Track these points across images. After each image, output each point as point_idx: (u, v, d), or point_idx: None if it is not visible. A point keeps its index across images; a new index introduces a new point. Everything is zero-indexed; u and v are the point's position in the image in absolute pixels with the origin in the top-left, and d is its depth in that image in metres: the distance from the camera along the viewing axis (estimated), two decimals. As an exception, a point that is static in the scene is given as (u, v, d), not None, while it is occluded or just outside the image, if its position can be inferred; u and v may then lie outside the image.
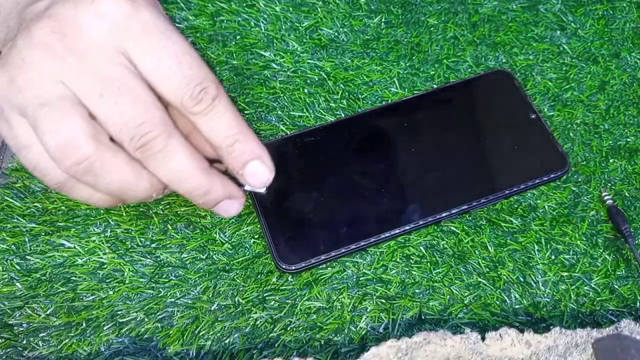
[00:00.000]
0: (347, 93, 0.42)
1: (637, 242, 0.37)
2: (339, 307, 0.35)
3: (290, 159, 0.38)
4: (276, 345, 0.33)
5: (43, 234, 0.37)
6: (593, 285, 0.36)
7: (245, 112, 0.41)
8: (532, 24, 0.45)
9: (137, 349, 0.33)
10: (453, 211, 0.36)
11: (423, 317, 0.34)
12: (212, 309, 0.34)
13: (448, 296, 0.35)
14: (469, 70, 0.43)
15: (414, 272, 0.36)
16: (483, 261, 0.36)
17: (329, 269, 0.36)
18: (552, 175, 0.38)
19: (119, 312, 0.34)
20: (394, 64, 0.43)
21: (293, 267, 0.35)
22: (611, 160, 0.40)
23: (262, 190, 0.34)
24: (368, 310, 0.34)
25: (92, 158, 0.29)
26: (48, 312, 0.34)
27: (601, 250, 0.37)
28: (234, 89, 0.42)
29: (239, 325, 0.34)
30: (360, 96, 0.41)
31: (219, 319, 0.34)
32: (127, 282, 0.35)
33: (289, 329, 0.34)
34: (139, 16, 0.30)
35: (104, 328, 0.34)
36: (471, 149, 0.39)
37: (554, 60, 0.44)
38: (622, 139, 0.40)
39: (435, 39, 0.44)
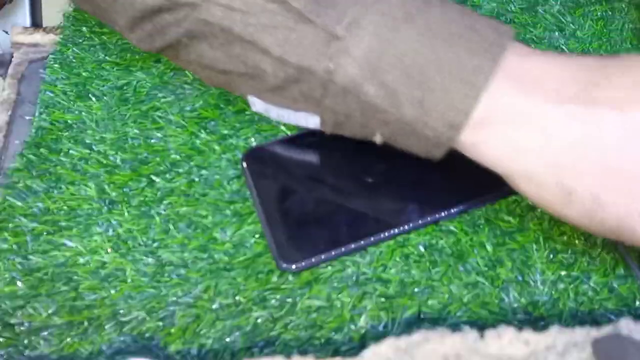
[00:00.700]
0: (347, 94, 0.42)
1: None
2: (339, 305, 0.35)
3: (291, 159, 0.38)
4: (277, 343, 0.34)
5: (45, 233, 0.37)
6: (592, 284, 0.36)
7: (246, 112, 0.42)
8: (531, 25, 0.45)
9: (139, 347, 0.34)
10: (452, 211, 0.37)
11: (422, 316, 0.34)
12: (213, 307, 0.35)
13: (447, 295, 0.35)
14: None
15: (413, 271, 0.36)
16: (481, 260, 0.36)
17: (329, 268, 0.36)
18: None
19: (121, 311, 0.34)
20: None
21: (293, 267, 0.35)
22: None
23: None
24: (367, 308, 0.35)
25: None
26: (50, 312, 0.34)
27: (600, 250, 0.37)
28: (235, 89, 0.42)
29: (240, 323, 0.34)
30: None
31: (220, 317, 0.34)
32: (128, 281, 0.35)
33: (289, 327, 0.34)
34: None
35: (106, 327, 0.34)
36: None
37: (552, 61, 0.44)
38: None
39: (434, 40, 0.44)
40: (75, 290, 0.35)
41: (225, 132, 0.41)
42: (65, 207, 0.38)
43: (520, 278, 0.36)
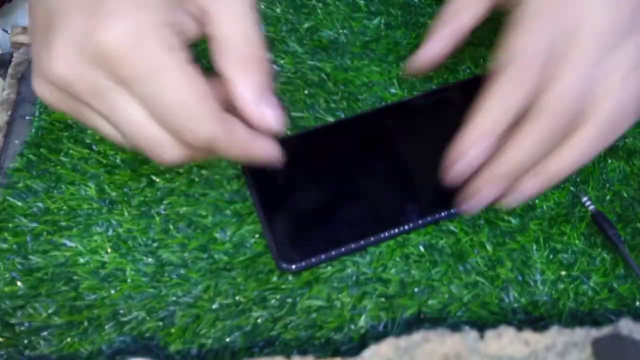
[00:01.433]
0: (347, 94, 0.42)
1: (636, 241, 0.37)
2: (339, 305, 0.35)
3: (291, 159, 0.38)
4: (277, 343, 0.34)
5: (45, 233, 0.37)
6: (592, 285, 0.36)
7: (246, 112, 0.42)
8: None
9: (139, 347, 0.34)
10: (452, 211, 0.37)
11: (422, 316, 0.35)
12: (213, 307, 0.35)
13: (447, 295, 0.35)
14: (468, 71, 0.43)
15: (413, 271, 0.36)
16: (482, 260, 0.36)
17: (329, 268, 0.36)
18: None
19: (121, 311, 0.34)
20: (394, 65, 0.43)
21: (293, 267, 0.35)
22: (610, 161, 0.40)
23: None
24: (367, 308, 0.35)
25: None
26: (50, 312, 0.34)
27: (599, 250, 0.37)
28: (235, 89, 0.42)
29: (240, 323, 0.34)
30: (359, 97, 0.42)
31: (220, 317, 0.34)
32: (128, 281, 0.35)
33: (289, 327, 0.34)
34: None
35: (106, 327, 0.34)
36: None
37: (552, 62, 0.44)
38: (620, 140, 0.41)
39: (434, 40, 0.44)
40: (75, 290, 0.35)
41: (225, 132, 0.41)
42: (65, 207, 0.38)
43: (520, 278, 0.36)
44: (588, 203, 0.38)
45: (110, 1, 0.29)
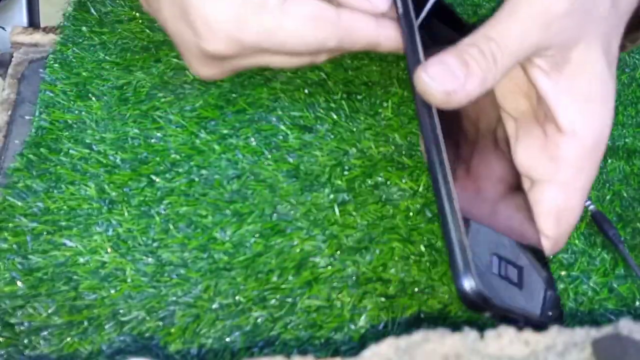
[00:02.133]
0: (346, 94, 0.42)
1: (636, 241, 0.37)
2: (339, 305, 0.35)
3: None
4: (276, 343, 0.34)
5: (45, 233, 0.37)
6: (591, 284, 0.36)
7: (247, 112, 0.42)
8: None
9: (139, 347, 0.34)
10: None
11: (422, 316, 0.34)
12: (213, 307, 0.35)
13: (447, 295, 0.35)
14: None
15: (413, 271, 0.36)
16: (482, 260, 0.36)
17: (329, 267, 0.36)
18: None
19: (121, 311, 0.34)
20: (393, 64, 0.43)
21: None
22: (609, 161, 0.40)
23: None
24: (367, 308, 0.35)
25: None
26: (49, 311, 0.34)
27: (599, 250, 0.37)
28: (235, 89, 0.42)
29: (240, 323, 0.34)
30: (359, 97, 0.42)
31: (220, 317, 0.34)
32: (128, 281, 0.35)
33: (289, 327, 0.34)
34: None
35: (106, 327, 0.34)
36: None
37: (552, 61, 0.44)
38: (620, 140, 0.41)
39: (434, 40, 0.44)
40: (75, 290, 0.35)
41: (225, 132, 0.41)
42: (65, 207, 0.38)
43: (520, 278, 0.36)
44: (588, 203, 0.38)
45: None
